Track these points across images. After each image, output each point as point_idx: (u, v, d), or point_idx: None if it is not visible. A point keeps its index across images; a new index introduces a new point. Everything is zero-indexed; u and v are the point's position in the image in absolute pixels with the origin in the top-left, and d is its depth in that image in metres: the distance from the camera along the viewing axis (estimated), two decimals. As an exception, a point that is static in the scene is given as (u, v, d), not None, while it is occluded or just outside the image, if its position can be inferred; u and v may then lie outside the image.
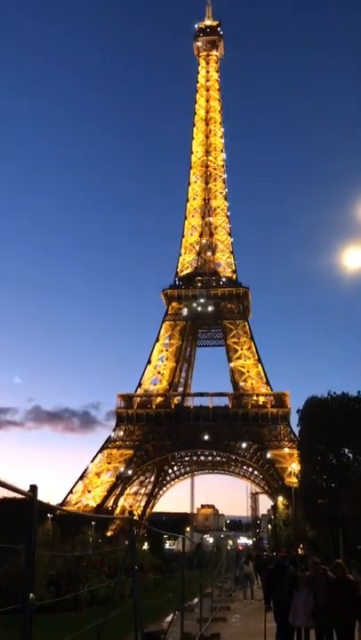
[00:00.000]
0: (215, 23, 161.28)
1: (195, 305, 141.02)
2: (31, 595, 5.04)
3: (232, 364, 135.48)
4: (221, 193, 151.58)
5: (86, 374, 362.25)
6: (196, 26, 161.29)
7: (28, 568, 4.97)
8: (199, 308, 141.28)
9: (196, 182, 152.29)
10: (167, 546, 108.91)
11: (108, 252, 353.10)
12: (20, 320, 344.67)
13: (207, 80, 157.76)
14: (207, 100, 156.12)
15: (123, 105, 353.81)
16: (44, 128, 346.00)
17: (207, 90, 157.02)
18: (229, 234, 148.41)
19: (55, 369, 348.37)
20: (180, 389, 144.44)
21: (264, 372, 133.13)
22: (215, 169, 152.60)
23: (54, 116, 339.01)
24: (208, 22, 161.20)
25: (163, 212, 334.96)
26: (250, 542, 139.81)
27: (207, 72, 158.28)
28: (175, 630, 14.66)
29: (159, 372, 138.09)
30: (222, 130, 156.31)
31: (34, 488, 4.91)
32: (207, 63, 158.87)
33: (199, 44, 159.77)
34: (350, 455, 36.01)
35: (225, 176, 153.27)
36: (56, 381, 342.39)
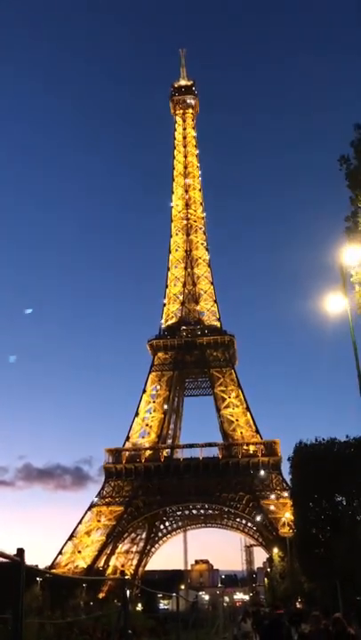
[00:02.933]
0: (190, 83, 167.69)
1: (180, 354, 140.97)
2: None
3: (221, 413, 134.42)
4: (202, 244, 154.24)
5: (78, 428, 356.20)
6: (172, 86, 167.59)
7: (15, 637, 4.81)
8: (185, 358, 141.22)
9: (177, 234, 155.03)
10: (162, 605, 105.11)
11: (95, 305, 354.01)
12: (8, 375, 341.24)
13: (184, 137, 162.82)
14: (185, 156, 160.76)
15: (103, 160, 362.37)
16: (32, 187, 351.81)
17: (184, 146, 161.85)
18: (212, 283, 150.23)
19: (46, 424, 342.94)
20: (169, 441, 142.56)
21: (253, 420, 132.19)
22: (195, 221, 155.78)
23: (39, 181, 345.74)
24: (183, 82, 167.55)
25: (146, 264, 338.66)
26: (246, 597, 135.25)
27: (184, 129, 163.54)
28: None
29: (147, 425, 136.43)
30: (201, 183, 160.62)
31: (21, 552, 4.81)
32: (184, 120, 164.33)
33: (175, 102, 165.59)
34: (343, 501, 35.33)
35: (205, 227, 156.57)
36: (47, 437, 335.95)
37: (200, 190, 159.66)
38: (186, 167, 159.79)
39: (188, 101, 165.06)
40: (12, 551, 4.96)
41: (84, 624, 20.92)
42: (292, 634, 13.01)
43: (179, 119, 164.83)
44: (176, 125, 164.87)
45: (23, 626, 5.18)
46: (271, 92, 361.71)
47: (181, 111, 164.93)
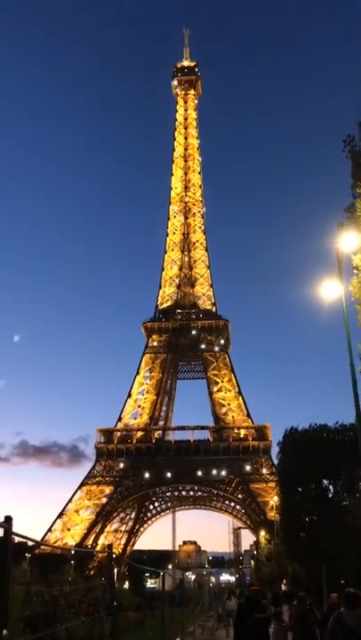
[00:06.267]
0: (193, 64, 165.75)
1: (175, 338, 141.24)
2: (4, 631, 4.95)
3: (213, 397, 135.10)
4: (200, 227, 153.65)
5: (75, 407, 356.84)
6: (175, 66, 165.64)
7: (1, 602, 4.90)
8: (179, 341, 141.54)
9: (175, 217, 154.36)
10: (148, 584, 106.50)
11: (92, 286, 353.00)
12: (8, 352, 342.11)
13: (185, 118, 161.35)
14: (185, 138, 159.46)
15: (101, 141, 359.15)
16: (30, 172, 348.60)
17: (185, 128, 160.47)
18: (208, 267, 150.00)
19: (44, 402, 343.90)
20: (161, 423, 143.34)
21: (245, 405, 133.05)
22: (194, 204, 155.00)
23: (37, 163, 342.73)
24: (186, 63, 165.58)
25: (143, 245, 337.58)
26: (233, 579, 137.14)
27: (185, 110, 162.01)
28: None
29: (139, 406, 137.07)
30: (201, 166, 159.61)
31: (8, 519, 4.90)
32: (185, 102, 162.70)
33: (177, 83, 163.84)
34: (331, 487, 35.73)
35: (203, 211, 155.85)
36: (44, 415, 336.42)
37: (200, 173, 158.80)
38: (186, 149, 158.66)
39: (190, 82, 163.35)
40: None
41: (70, 597, 21.22)
42: (269, 612, 12.99)
43: (180, 100, 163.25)
44: (177, 107, 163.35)
45: (10, 595, 5.26)
46: (272, 78, 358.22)
47: (183, 92, 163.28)
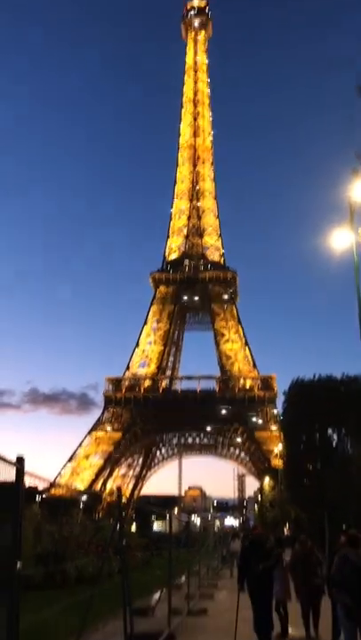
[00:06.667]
0: (203, 3, 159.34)
1: (182, 288, 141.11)
2: (19, 563, 5.10)
3: (220, 348, 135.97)
4: (209, 176, 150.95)
5: (86, 355, 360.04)
6: (184, 7, 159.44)
7: (14, 536, 5.02)
8: (187, 292, 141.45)
9: (183, 165, 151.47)
10: (155, 527, 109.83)
11: (104, 235, 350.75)
12: (18, 300, 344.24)
13: (195, 62, 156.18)
14: (195, 82, 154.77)
15: (110, 81, 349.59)
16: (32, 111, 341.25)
17: (195, 72, 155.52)
18: (217, 217, 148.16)
19: (54, 350, 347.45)
20: (168, 373, 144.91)
21: (251, 356, 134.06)
22: (203, 151, 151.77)
23: (43, 96, 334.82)
24: (196, 3, 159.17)
25: (151, 194, 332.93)
26: (236, 523, 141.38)
27: (195, 53, 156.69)
28: (163, 607, 14.83)
29: (147, 356, 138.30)
30: (211, 112, 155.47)
31: (21, 460, 4.98)
32: (195, 45, 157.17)
33: (186, 25, 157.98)
34: (335, 437, 36.33)
35: (213, 158, 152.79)
36: (55, 362, 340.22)
37: (209, 120, 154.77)
38: (196, 94, 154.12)
39: (201, 23, 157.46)
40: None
41: (80, 538, 21.95)
42: (275, 555, 13.02)
43: (190, 42, 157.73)
44: (187, 49, 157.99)
45: (22, 529, 5.38)
46: (283, 19, 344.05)
47: (193, 34, 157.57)
